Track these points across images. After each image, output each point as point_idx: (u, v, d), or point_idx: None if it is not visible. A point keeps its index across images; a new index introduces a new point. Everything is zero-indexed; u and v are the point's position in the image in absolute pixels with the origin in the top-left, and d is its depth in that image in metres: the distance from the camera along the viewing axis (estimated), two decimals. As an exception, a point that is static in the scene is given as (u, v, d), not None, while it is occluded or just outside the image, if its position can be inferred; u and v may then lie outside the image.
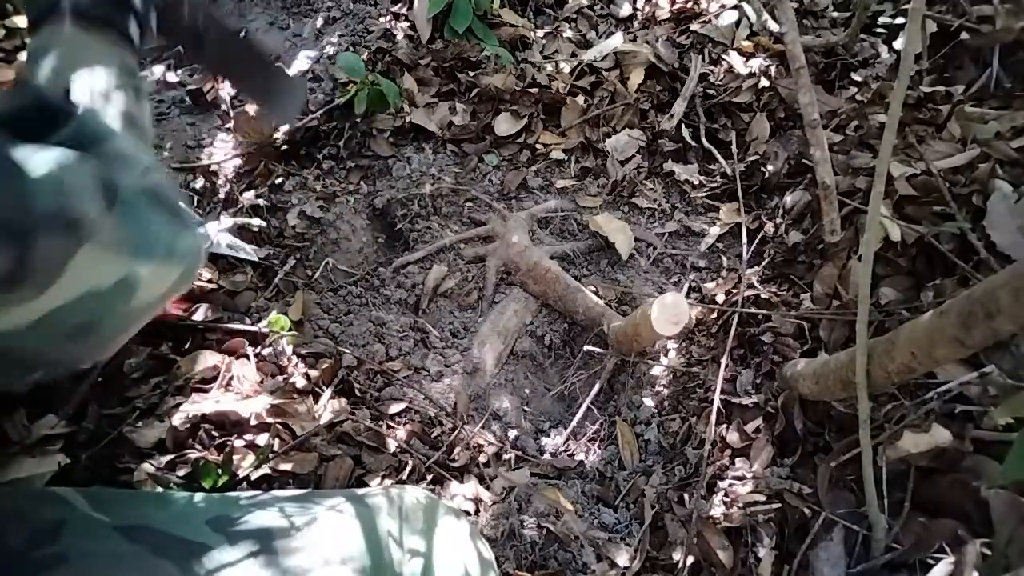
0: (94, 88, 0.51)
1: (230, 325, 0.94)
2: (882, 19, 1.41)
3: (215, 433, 0.83)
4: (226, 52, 0.72)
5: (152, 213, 0.45)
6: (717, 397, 0.91)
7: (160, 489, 0.74)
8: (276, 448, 0.83)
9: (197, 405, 0.83)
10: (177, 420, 0.80)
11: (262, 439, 0.83)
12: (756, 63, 1.37)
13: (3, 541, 0.43)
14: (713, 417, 0.90)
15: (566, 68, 1.42)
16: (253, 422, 0.84)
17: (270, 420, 0.84)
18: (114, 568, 0.45)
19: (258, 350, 0.93)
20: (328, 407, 0.91)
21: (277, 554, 0.50)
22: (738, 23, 1.44)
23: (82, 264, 0.37)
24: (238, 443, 0.82)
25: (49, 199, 0.34)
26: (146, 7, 0.59)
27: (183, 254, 0.47)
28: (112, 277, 0.40)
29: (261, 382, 0.90)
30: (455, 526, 0.64)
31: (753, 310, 1.00)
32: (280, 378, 0.91)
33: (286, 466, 0.81)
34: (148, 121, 0.56)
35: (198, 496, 0.55)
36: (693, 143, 1.33)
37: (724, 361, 0.95)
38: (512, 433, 1.02)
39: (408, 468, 0.87)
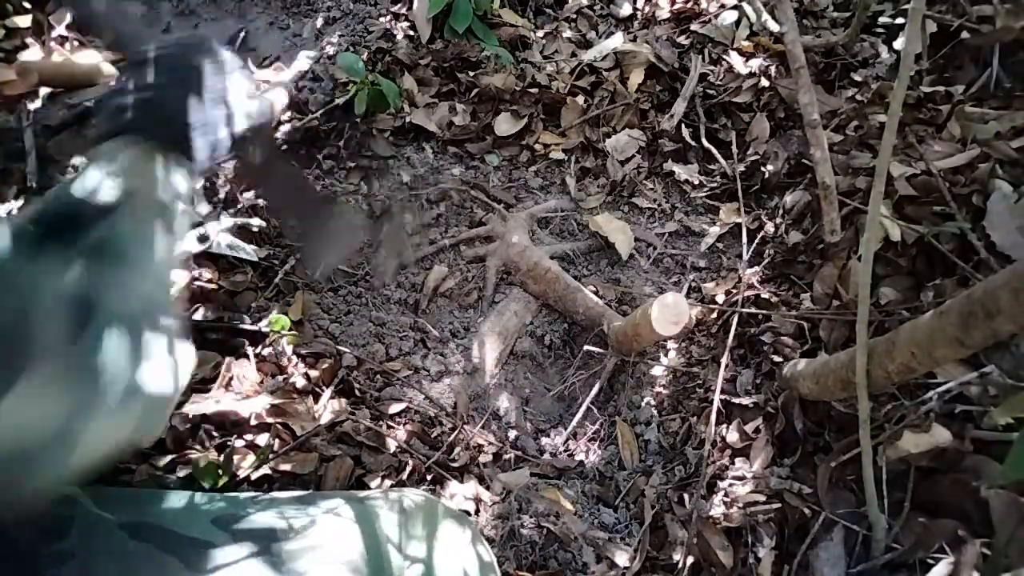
0: (132, 204, 0.45)
1: (230, 325, 0.94)
2: (882, 19, 1.41)
3: (215, 433, 0.83)
4: (288, 191, 0.68)
5: (121, 350, 0.38)
6: (717, 397, 0.91)
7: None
8: (276, 448, 0.83)
9: (197, 405, 0.83)
10: (177, 420, 0.80)
11: (262, 439, 0.83)
12: (756, 63, 1.37)
13: (11, 538, 0.43)
14: (713, 417, 0.90)
15: (566, 68, 1.42)
16: (253, 422, 0.84)
17: (270, 420, 0.84)
18: (121, 564, 0.45)
19: (258, 350, 0.93)
20: (328, 407, 0.91)
21: (280, 555, 0.50)
22: (738, 23, 1.44)
23: (10, 411, 0.30)
24: (238, 443, 0.82)
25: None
26: (217, 138, 0.53)
27: (141, 406, 0.40)
28: (47, 429, 0.33)
29: (261, 382, 0.90)
30: (456, 529, 0.64)
31: (753, 310, 1.00)
32: (280, 378, 0.91)
33: (286, 466, 0.81)
34: (175, 244, 0.50)
35: (202, 495, 0.56)
36: (693, 143, 1.33)
37: (724, 361, 0.95)
38: (512, 433, 1.02)
39: (408, 468, 0.87)
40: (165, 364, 0.42)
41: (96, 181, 0.45)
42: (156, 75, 0.50)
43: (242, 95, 0.56)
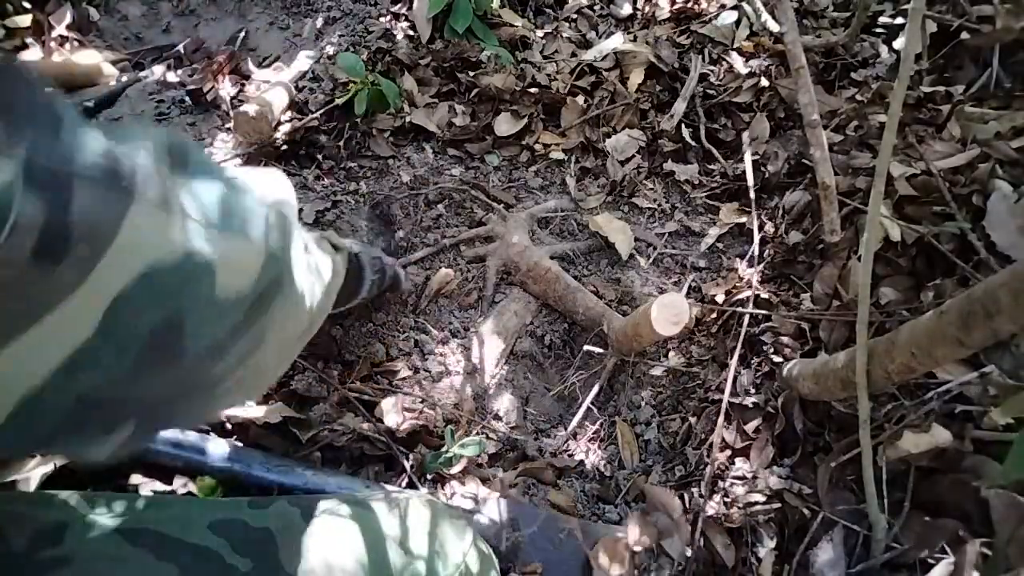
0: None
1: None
2: (882, 19, 1.41)
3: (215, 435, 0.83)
4: None
5: (227, 179, 0.38)
6: (726, 397, 0.91)
7: (161, 490, 0.74)
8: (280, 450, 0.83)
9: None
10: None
11: (267, 442, 0.83)
12: (756, 63, 1.37)
13: (5, 543, 0.43)
14: (721, 418, 0.90)
15: (566, 68, 1.42)
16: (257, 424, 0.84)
17: (271, 421, 0.84)
18: (116, 571, 0.45)
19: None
20: (329, 407, 0.91)
21: (279, 558, 0.50)
22: (738, 23, 1.44)
23: (136, 227, 0.29)
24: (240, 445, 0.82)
25: (96, 149, 0.28)
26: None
27: (263, 230, 0.39)
28: (176, 249, 0.32)
29: (261, 382, 0.90)
30: (456, 529, 0.64)
31: (753, 310, 1.00)
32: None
33: (286, 466, 0.81)
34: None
35: (200, 500, 0.55)
36: (693, 143, 1.33)
37: (733, 363, 0.94)
38: (512, 433, 1.02)
39: (409, 468, 0.87)
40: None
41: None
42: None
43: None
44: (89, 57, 1.39)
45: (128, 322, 0.31)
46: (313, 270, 0.52)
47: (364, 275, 0.79)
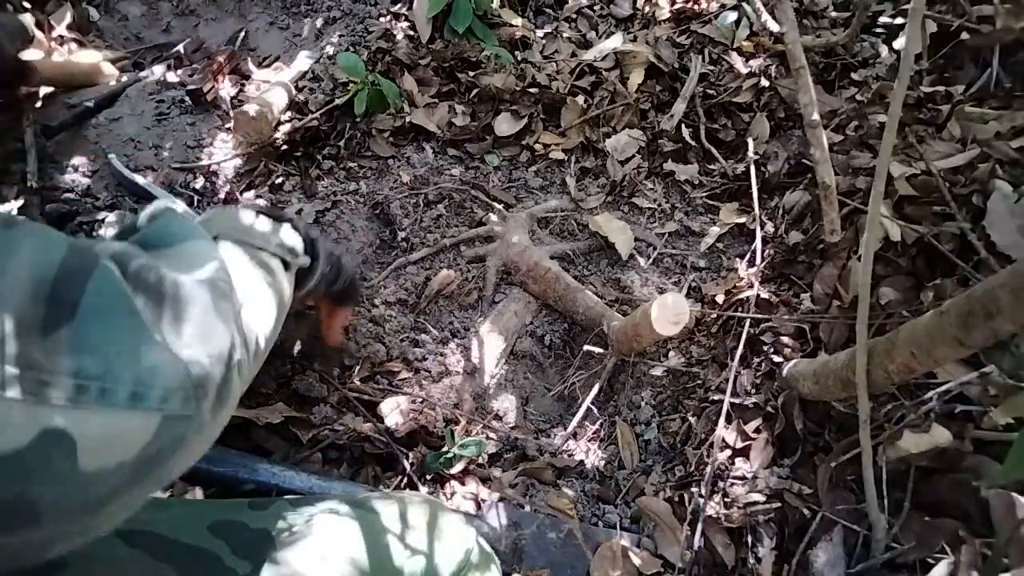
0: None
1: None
2: (882, 19, 1.41)
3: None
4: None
5: (130, 325, 0.33)
6: (727, 397, 0.91)
7: (160, 493, 0.74)
8: (283, 451, 0.83)
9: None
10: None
11: (270, 444, 0.83)
12: (756, 63, 1.37)
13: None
14: (722, 419, 0.90)
15: (566, 68, 1.42)
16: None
17: (273, 421, 0.84)
18: (114, 573, 0.45)
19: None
20: (329, 407, 0.91)
21: (278, 560, 0.50)
22: (738, 23, 1.44)
23: None
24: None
25: None
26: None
27: (162, 396, 0.33)
28: (26, 432, 0.28)
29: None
30: (456, 529, 0.64)
31: (753, 315, 1.00)
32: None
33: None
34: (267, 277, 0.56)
35: (199, 501, 0.55)
36: (693, 143, 1.33)
37: (733, 363, 0.94)
38: (512, 433, 1.02)
39: (409, 468, 0.87)
40: (193, 342, 0.36)
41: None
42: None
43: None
44: (89, 57, 1.39)
45: None
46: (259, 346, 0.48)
47: (315, 267, 0.70)
